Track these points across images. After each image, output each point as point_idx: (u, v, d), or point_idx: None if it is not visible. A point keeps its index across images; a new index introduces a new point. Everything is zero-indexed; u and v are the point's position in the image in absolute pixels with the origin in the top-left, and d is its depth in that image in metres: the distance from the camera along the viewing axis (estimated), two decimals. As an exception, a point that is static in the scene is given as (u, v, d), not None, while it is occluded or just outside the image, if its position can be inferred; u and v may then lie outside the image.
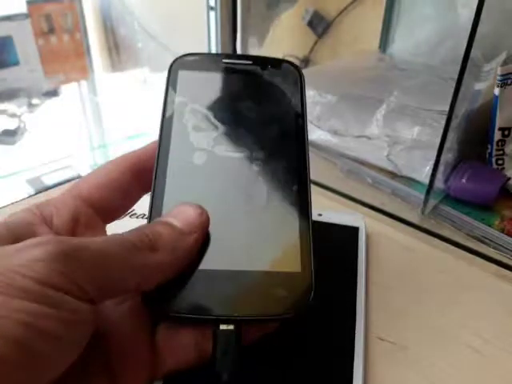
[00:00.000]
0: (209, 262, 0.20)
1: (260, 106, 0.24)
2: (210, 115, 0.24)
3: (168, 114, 0.23)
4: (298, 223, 0.21)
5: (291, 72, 0.25)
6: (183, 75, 0.25)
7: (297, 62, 0.63)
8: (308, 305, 0.19)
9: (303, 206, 0.22)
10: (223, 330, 0.18)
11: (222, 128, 0.23)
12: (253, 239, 0.21)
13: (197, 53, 0.25)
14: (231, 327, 0.18)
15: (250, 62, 0.25)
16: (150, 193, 0.21)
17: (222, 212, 0.21)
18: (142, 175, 0.22)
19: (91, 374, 0.17)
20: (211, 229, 0.20)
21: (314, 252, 0.20)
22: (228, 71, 0.25)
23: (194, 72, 0.25)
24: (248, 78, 0.25)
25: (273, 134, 0.24)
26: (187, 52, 0.25)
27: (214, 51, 0.58)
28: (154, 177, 0.21)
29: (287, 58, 0.27)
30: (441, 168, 0.35)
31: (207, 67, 0.25)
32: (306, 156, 0.23)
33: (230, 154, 0.23)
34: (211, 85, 0.25)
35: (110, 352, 0.18)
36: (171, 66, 0.25)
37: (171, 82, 0.24)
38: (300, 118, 0.24)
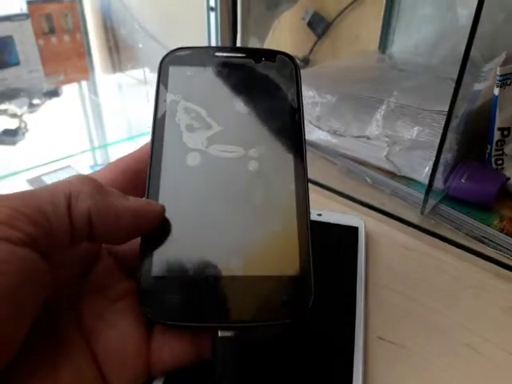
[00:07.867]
0: (205, 268, 0.19)
1: (255, 102, 0.24)
2: (203, 113, 0.23)
3: (160, 113, 0.23)
4: (296, 225, 0.21)
5: (286, 64, 0.25)
6: (174, 71, 0.24)
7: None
8: (308, 309, 0.19)
9: (301, 206, 0.21)
10: (222, 336, 0.18)
11: (215, 126, 0.23)
12: (250, 243, 0.20)
13: (188, 47, 0.25)
14: (230, 333, 0.18)
15: (244, 55, 0.25)
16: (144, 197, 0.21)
17: (217, 215, 0.21)
18: (137, 179, 0.22)
19: (78, 370, 0.17)
20: (207, 233, 0.20)
21: (312, 254, 0.20)
22: (221, 66, 0.24)
23: (185, 68, 0.24)
24: (242, 73, 0.24)
25: (268, 131, 0.23)
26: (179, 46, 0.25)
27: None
28: (147, 181, 0.21)
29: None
30: (440, 168, 0.35)
31: (199, 62, 0.24)
32: (303, 154, 0.22)
33: (224, 154, 0.22)
34: (204, 81, 0.24)
35: (100, 348, 0.18)
36: (161, 62, 0.24)
37: (162, 80, 0.23)
38: (296, 113, 0.23)
